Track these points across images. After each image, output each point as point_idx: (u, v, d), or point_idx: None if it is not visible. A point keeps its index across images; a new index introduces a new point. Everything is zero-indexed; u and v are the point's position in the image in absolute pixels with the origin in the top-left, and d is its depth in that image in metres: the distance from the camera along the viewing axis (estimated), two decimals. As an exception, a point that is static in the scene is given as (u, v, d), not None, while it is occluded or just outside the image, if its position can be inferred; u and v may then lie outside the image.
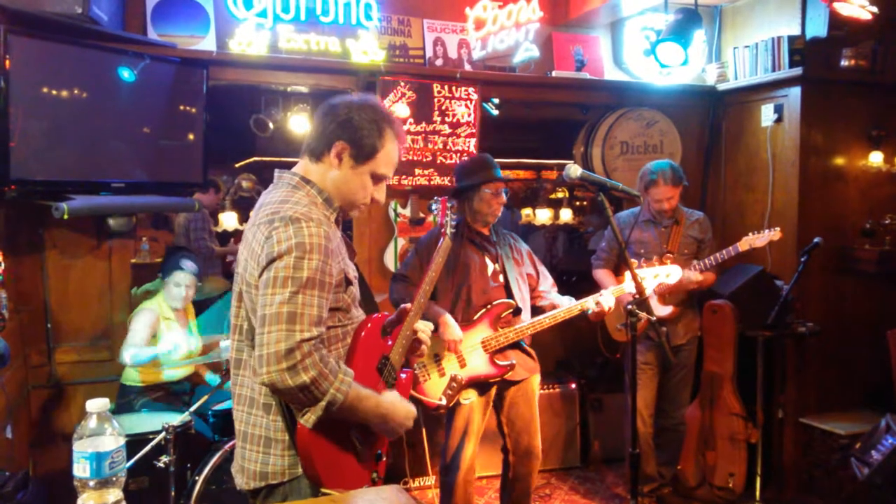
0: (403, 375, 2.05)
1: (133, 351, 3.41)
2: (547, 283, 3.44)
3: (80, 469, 1.27)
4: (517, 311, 3.25)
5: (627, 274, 3.39)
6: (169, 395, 3.64)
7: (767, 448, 4.09)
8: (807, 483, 4.24)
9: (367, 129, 1.87)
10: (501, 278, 3.28)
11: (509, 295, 3.25)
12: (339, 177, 1.88)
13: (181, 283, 3.66)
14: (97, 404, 1.31)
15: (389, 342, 2.04)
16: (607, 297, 3.18)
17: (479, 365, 3.16)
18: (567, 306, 3.23)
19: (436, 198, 2.82)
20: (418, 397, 3.10)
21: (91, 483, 1.27)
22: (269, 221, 1.75)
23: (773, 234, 3.69)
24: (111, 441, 1.29)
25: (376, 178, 1.94)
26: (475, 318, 3.20)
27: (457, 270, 3.22)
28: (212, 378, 3.87)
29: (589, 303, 3.18)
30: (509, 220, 7.76)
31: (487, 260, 3.28)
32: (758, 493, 3.91)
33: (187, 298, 3.72)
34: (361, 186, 1.91)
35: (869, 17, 3.98)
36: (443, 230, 2.71)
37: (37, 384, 3.60)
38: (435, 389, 3.13)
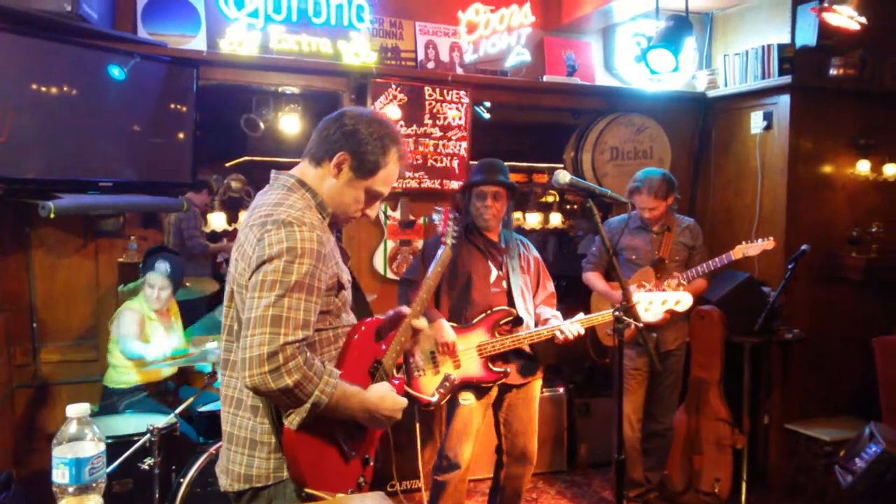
0: (396, 381, 2.04)
1: (129, 343, 3.43)
2: (542, 296, 3.37)
3: (59, 475, 1.26)
4: (518, 321, 3.20)
5: (619, 287, 3.37)
6: (153, 396, 3.60)
7: (753, 453, 4.11)
8: (791, 489, 4.26)
9: (372, 145, 1.85)
10: (504, 285, 3.25)
11: (511, 303, 3.22)
12: (334, 187, 1.87)
13: (154, 284, 3.62)
14: (77, 409, 1.29)
15: (383, 346, 2.03)
16: (571, 327, 3.11)
17: (472, 368, 3.16)
18: (546, 326, 3.16)
19: (437, 207, 2.76)
20: (411, 393, 3.11)
21: (70, 489, 1.26)
22: (262, 224, 1.74)
23: (767, 243, 3.69)
24: (91, 447, 1.28)
25: (371, 195, 1.92)
26: (473, 321, 3.19)
27: (458, 274, 3.21)
28: (202, 366, 3.70)
29: (555, 330, 3.12)
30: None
31: (491, 265, 3.26)
32: (743, 499, 3.92)
33: (160, 300, 3.64)
34: (354, 200, 1.90)
35: (857, 27, 4.02)
36: (442, 239, 2.64)
37: (21, 383, 3.57)
38: (428, 386, 3.15)
